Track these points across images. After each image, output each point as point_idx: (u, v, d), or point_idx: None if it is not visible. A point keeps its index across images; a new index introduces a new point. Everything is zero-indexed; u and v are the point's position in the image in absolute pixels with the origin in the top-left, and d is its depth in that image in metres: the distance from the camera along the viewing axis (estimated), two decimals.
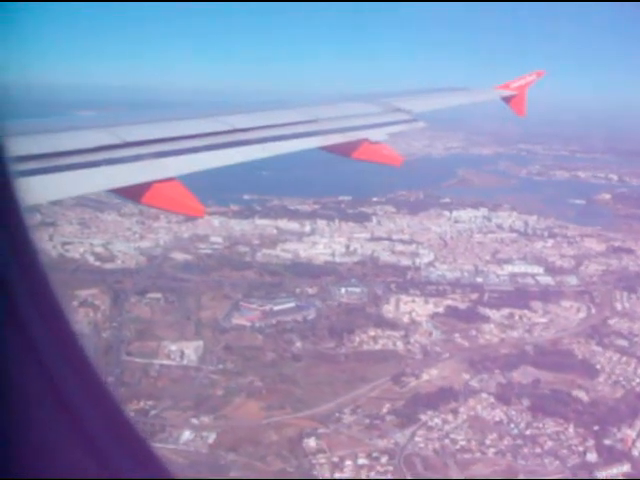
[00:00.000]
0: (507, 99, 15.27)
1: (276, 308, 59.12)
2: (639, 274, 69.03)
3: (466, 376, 50.88)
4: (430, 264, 69.81)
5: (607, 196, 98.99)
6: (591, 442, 43.98)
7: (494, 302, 62.34)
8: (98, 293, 59.70)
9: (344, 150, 10.05)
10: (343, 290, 62.92)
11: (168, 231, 74.00)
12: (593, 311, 62.32)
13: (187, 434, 44.02)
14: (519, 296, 63.76)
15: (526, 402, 47.92)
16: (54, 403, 2.49)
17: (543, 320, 60.10)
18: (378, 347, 54.47)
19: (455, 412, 46.52)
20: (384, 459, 42.04)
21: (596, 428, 45.40)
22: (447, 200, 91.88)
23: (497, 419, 46.26)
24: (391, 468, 41.45)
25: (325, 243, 73.78)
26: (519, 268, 69.52)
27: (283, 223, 78.62)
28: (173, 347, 53.31)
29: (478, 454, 42.79)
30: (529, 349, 55.44)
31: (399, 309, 59.91)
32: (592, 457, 42.70)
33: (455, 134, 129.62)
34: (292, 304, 60.21)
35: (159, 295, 60.66)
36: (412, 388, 49.58)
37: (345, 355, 53.49)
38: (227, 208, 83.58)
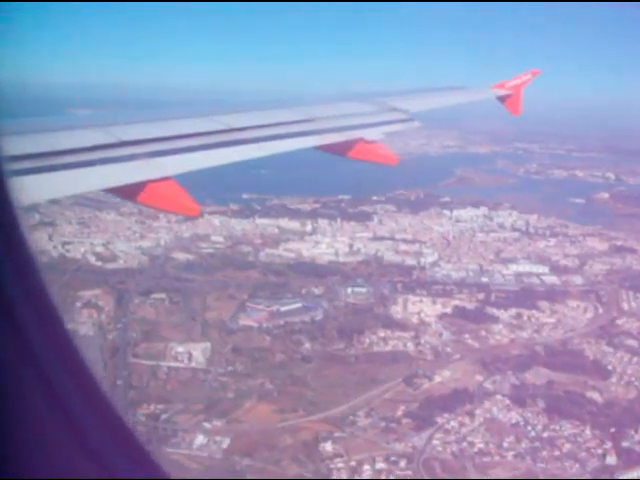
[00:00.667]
0: (502, 98, 15.20)
1: (283, 309, 58.31)
2: None
3: (479, 378, 50.29)
4: (435, 264, 69.21)
5: (606, 195, 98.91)
6: (609, 444, 43.50)
7: (501, 302, 61.81)
8: (101, 294, 58.66)
9: (340, 149, 9.98)
10: (349, 290, 62.17)
11: (168, 230, 72.96)
12: (600, 311, 61.90)
13: (200, 439, 43.13)
14: (526, 296, 63.26)
15: (541, 404, 47.40)
16: (50, 404, 2.46)
17: (551, 320, 59.63)
18: (388, 348, 53.78)
19: (471, 415, 45.91)
20: (403, 463, 41.38)
21: (613, 430, 44.93)
22: (447, 199, 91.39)
23: (513, 421, 45.70)
24: (410, 472, 40.79)
25: (328, 242, 73.03)
26: (524, 267, 69.06)
27: (284, 222, 77.78)
28: (180, 349, 52.38)
29: (497, 457, 42.20)
30: (540, 350, 54.92)
31: (407, 309, 59.26)
32: (612, 460, 42.21)
33: (451, 133, 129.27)
34: (299, 304, 59.40)
35: (163, 295, 59.69)
36: (425, 390, 48.91)
37: (355, 356, 52.75)
38: (227, 207, 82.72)
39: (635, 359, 53.65)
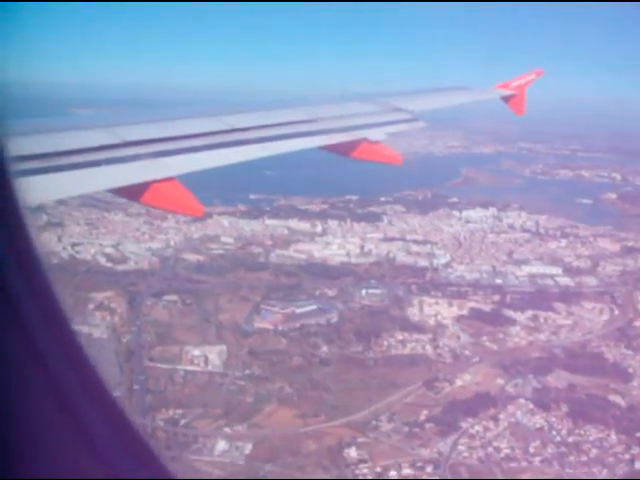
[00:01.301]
0: (506, 98, 15.12)
1: (298, 311, 57.56)
2: None
3: (500, 381, 49.64)
4: (448, 265, 68.57)
5: (613, 195, 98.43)
6: (636, 449, 42.84)
7: (517, 304, 61.19)
8: (114, 296, 57.82)
9: (344, 149, 9.95)
10: (364, 292, 61.47)
11: (177, 231, 72.15)
12: (616, 312, 61.34)
13: (222, 444, 42.36)
14: (541, 297, 62.66)
15: (564, 408, 46.74)
16: (55, 403, 2.45)
17: (568, 322, 59.02)
18: (407, 351, 53.09)
19: (495, 419, 45.25)
20: (429, 469, 40.68)
21: (639, 435, 44.24)
22: (455, 199, 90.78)
23: (538, 426, 45.05)
24: (437, 478, 40.04)
25: (339, 244, 72.30)
26: (537, 269, 68.48)
27: (294, 223, 77.01)
28: (196, 352, 51.57)
29: (524, 463, 41.54)
30: (559, 352, 54.35)
31: (423, 311, 58.56)
32: None
33: (455, 133, 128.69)
34: (314, 306, 58.66)
35: (175, 297, 58.87)
36: (447, 394, 48.22)
37: (374, 359, 52.04)
38: (235, 208, 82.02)
39: None
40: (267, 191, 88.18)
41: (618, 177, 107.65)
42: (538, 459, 41.94)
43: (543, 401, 47.37)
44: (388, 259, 69.57)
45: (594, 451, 42.76)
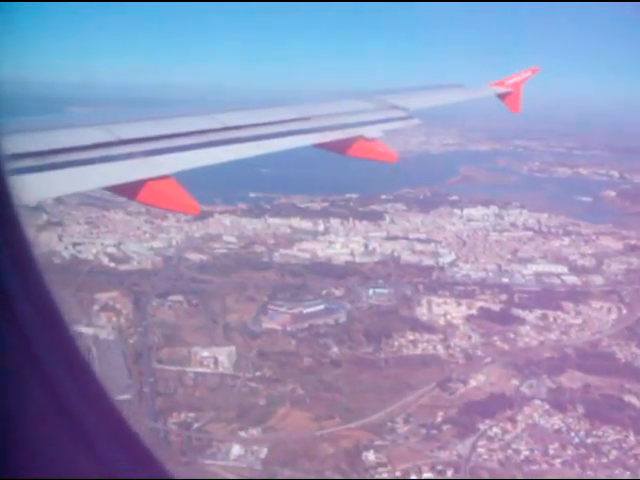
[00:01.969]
0: (502, 96, 15.08)
1: (306, 311, 56.78)
2: None
3: (515, 382, 49.12)
4: (453, 264, 67.98)
5: (612, 193, 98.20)
6: None
7: (525, 303, 60.71)
8: (118, 296, 56.81)
9: (339, 147, 9.86)
10: (371, 291, 60.77)
11: (179, 230, 71.14)
12: (624, 311, 60.97)
13: (237, 449, 41.55)
14: (548, 296, 62.18)
15: (580, 409, 46.25)
16: (52, 404, 2.45)
17: (577, 321, 58.57)
18: (418, 352, 52.47)
19: (513, 421, 44.70)
20: (450, 472, 40.03)
21: None
22: (455, 197, 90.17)
23: (556, 427, 44.55)
24: None
25: (342, 242, 71.52)
26: (543, 267, 68.02)
27: (296, 222, 76.11)
28: (205, 353, 50.72)
29: (545, 466, 40.98)
30: (571, 352, 53.89)
31: (432, 311, 57.95)
32: None
33: (450, 130, 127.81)
34: (321, 306, 57.90)
35: (181, 298, 57.92)
36: (462, 395, 47.63)
37: (386, 360, 51.37)
38: (235, 206, 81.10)
39: None
40: (266, 189, 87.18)
41: (616, 175, 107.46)
42: (559, 461, 41.41)
43: (559, 402, 46.86)
44: (393, 258, 68.87)
45: (614, 453, 42.27)
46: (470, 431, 43.56)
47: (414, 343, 53.09)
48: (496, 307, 59.70)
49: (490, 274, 66.17)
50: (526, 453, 41.97)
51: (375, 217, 79.82)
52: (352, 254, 69.13)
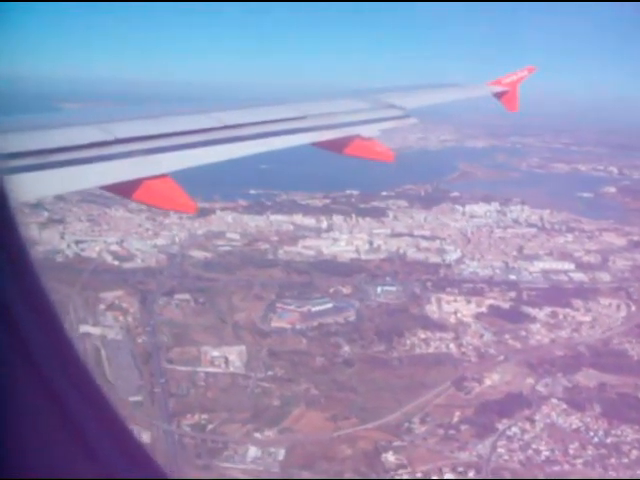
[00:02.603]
0: (499, 95, 15.00)
1: (314, 309, 56.09)
2: None
3: (530, 381, 48.63)
4: (459, 261, 67.46)
5: (612, 189, 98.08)
6: None
7: (534, 300, 60.23)
8: (124, 295, 55.93)
9: (336, 146, 9.80)
10: (379, 289, 60.11)
11: (181, 227, 70.23)
12: (633, 308, 60.63)
13: (253, 451, 40.79)
14: (557, 294, 61.77)
15: (598, 408, 45.76)
16: (47, 404, 2.44)
17: (587, 319, 58.17)
18: (431, 350, 51.89)
19: (531, 420, 44.18)
20: (471, 473, 39.43)
21: None
22: (456, 194, 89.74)
23: (574, 427, 44.06)
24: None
25: (346, 239, 70.87)
26: (549, 265, 67.64)
27: (298, 219, 75.39)
28: (215, 353, 49.89)
29: (567, 466, 40.45)
30: (583, 350, 53.45)
31: (442, 309, 57.37)
32: None
33: (446, 127, 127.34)
34: (329, 305, 57.19)
35: (187, 296, 57.07)
36: (478, 394, 47.09)
37: (399, 359, 50.75)
38: (235, 203, 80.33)
39: None
40: (266, 186, 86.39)
41: (615, 171, 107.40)
42: (580, 462, 40.91)
43: (576, 401, 46.38)
44: (398, 255, 68.26)
45: (635, 452, 41.83)
46: (489, 431, 42.99)
47: (426, 342, 52.48)
48: (506, 305, 59.20)
49: (497, 271, 65.69)
50: (547, 453, 41.43)
51: (378, 214, 79.18)
52: (357, 251, 68.48)
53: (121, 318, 52.89)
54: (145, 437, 40.78)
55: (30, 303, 2.50)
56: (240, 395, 46.07)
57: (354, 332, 53.50)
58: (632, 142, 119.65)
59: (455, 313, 56.65)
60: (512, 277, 64.91)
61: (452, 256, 68.10)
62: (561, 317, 57.89)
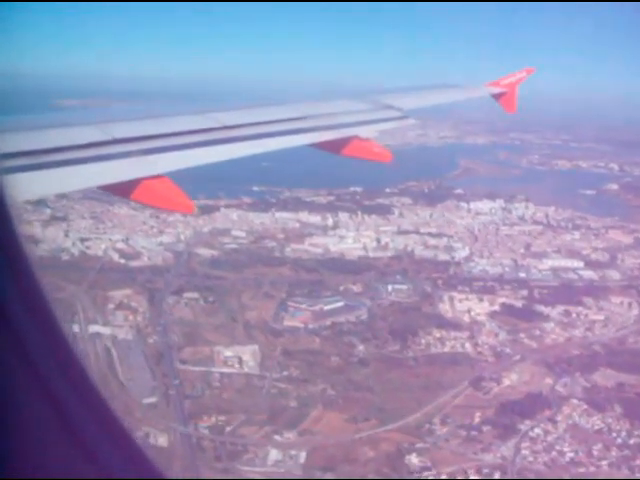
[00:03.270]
0: (497, 96, 14.98)
1: (326, 308, 55.31)
2: None
3: (549, 380, 48.03)
4: (468, 259, 66.79)
5: (614, 186, 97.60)
6: None
7: (546, 299, 59.68)
8: (132, 294, 54.95)
9: (334, 147, 9.77)
10: (390, 287, 59.38)
11: (186, 225, 69.18)
12: None
13: (274, 454, 39.95)
14: (568, 292, 61.26)
15: (618, 408, 45.20)
16: (44, 403, 2.44)
17: (599, 317, 57.61)
18: (447, 350, 51.20)
19: (553, 421, 43.57)
20: (496, 475, 38.77)
21: None
22: (460, 191, 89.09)
23: (596, 427, 43.49)
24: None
25: (353, 237, 70.14)
26: (558, 262, 67.09)
27: (304, 216, 74.56)
28: (228, 353, 49.04)
29: (592, 468, 39.79)
30: (599, 349, 52.91)
31: (455, 307, 56.71)
32: None
33: (445, 123, 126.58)
34: (341, 303, 56.43)
35: (196, 295, 56.18)
36: (497, 394, 46.44)
37: (414, 359, 50.06)
38: (239, 200, 79.49)
39: None
40: (269, 183, 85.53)
41: (616, 168, 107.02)
42: (605, 463, 40.27)
43: (596, 401, 45.80)
44: (406, 253, 67.56)
45: None
46: (511, 432, 42.35)
47: (441, 341, 51.81)
48: (518, 303, 58.61)
49: (507, 269, 65.08)
50: (571, 455, 40.83)
51: (383, 211, 78.45)
52: (365, 249, 67.72)
53: (131, 317, 51.91)
54: (162, 440, 40.03)
55: (28, 303, 2.48)
56: (256, 396, 45.22)
57: (367, 331, 52.75)
58: (632, 139, 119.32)
59: (468, 312, 56.01)
60: (522, 275, 64.29)
61: (461, 254, 67.44)
62: (574, 316, 57.31)
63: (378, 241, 69.55)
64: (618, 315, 58.34)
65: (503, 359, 50.51)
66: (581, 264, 67.19)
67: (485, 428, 42.71)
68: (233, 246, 66.56)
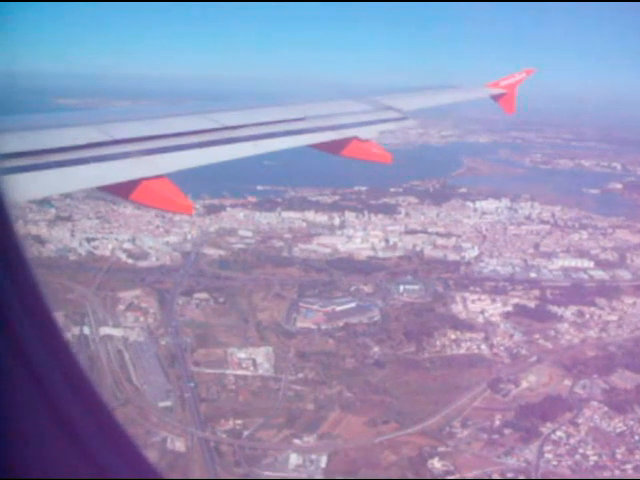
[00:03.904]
0: (497, 97, 15.00)
1: (338, 309, 54.58)
2: None
3: (567, 382, 47.45)
4: (478, 258, 66.23)
5: (618, 185, 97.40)
6: None
7: (559, 299, 59.12)
8: (142, 295, 54.16)
9: (334, 148, 9.81)
10: (401, 288, 58.74)
11: (192, 224, 68.38)
12: None
13: (294, 458, 39.22)
14: (580, 292, 60.72)
15: (639, 411, 44.61)
16: (43, 405, 2.43)
17: (613, 318, 57.09)
18: (462, 351, 50.60)
19: (574, 424, 42.95)
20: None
21: None
22: (464, 190, 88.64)
23: (618, 430, 42.85)
24: None
25: (361, 237, 69.49)
26: (568, 262, 66.57)
27: (310, 215, 73.90)
28: (242, 354, 48.30)
29: (617, 472, 39.20)
30: (615, 350, 52.34)
31: (468, 308, 56.09)
32: None
33: (445, 122, 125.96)
34: (353, 304, 55.76)
35: (206, 295, 55.41)
36: (515, 397, 45.84)
37: (430, 360, 49.42)
38: (244, 199, 78.72)
39: None
40: (273, 182, 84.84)
41: (618, 167, 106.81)
42: (630, 467, 39.68)
43: (616, 403, 45.20)
44: (416, 253, 66.95)
45: None
46: (533, 435, 41.73)
47: (457, 342, 51.20)
48: (531, 304, 58.06)
49: (517, 269, 64.56)
50: (595, 458, 40.21)
51: (389, 210, 77.82)
52: (373, 249, 67.10)
53: (141, 319, 51.13)
54: (179, 445, 39.31)
55: (25, 303, 2.46)
56: (272, 399, 44.50)
57: (382, 332, 52.10)
58: (633, 138, 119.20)
59: (482, 312, 55.44)
60: (533, 275, 63.77)
61: (470, 254, 66.87)
62: (587, 316, 56.80)
63: (386, 241, 68.93)
64: (631, 315, 57.86)
65: (519, 360, 49.93)
66: (591, 264, 66.69)
67: (506, 431, 42.08)
68: (240, 246, 65.79)
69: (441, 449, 40.18)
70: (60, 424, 2.44)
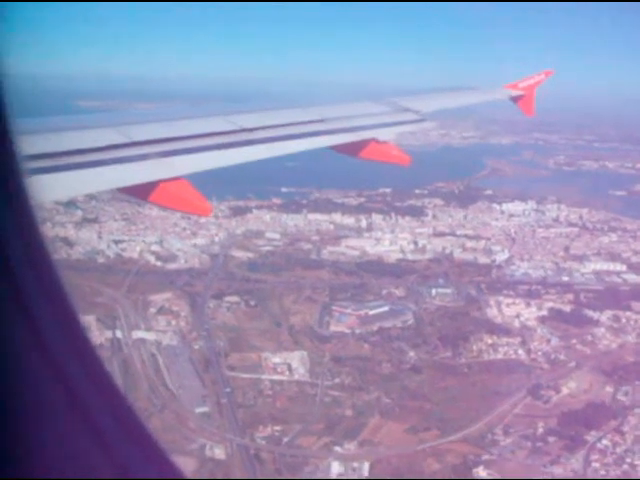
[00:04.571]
0: (515, 98, 14.81)
1: (371, 312, 53.78)
2: None
3: (609, 389, 46.50)
4: (509, 261, 65.29)
5: None
6: None
7: (593, 303, 58.06)
8: (173, 298, 53.54)
9: (352, 150, 9.80)
10: (434, 291, 57.90)
11: (218, 227, 67.78)
12: None
13: (336, 466, 38.45)
14: (614, 296, 59.57)
15: None
16: (64, 402, 2.39)
17: None
18: (500, 356, 49.72)
19: (620, 432, 41.98)
20: None
21: None
22: (490, 192, 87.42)
23: None
24: None
25: (390, 239, 68.58)
26: (600, 265, 65.49)
27: (337, 217, 73.09)
28: (276, 359, 47.62)
29: None
30: None
31: (503, 312, 55.17)
32: None
33: (465, 122, 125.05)
34: (386, 308, 54.95)
35: (237, 299, 54.75)
36: (557, 403, 44.95)
37: (467, 365, 48.58)
38: (269, 201, 77.92)
39: None
40: (297, 184, 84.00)
41: None
42: None
43: None
44: (445, 256, 66.06)
45: None
46: (578, 443, 40.84)
47: (494, 347, 50.33)
48: (566, 308, 57.07)
49: (549, 272, 63.58)
50: None
51: (416, 212, 76.89)
52: (402, 251, 66.27)
53: (173, 322, 50.52)
54: (219, 452, 38.60)
55: (50, 301, 2.45)
56: (310, 405, 43.77)
57: (416, 337, 51.30)
58: None
59: (517, 316, 54.55)
60: (565, 278, 62.79)
61: (501, 257, 65.96)
62: (624, 321, 55.79)
63: (415, 243, 68.08)
64: None
65: (558, 366, 49.02)
66: (624, 267, 65.62)
67: (550, 439, 41.21)
68: (268, 248, 65.08)
69: (485, 457, 39.37)
70: (84, 423, 2.36)
